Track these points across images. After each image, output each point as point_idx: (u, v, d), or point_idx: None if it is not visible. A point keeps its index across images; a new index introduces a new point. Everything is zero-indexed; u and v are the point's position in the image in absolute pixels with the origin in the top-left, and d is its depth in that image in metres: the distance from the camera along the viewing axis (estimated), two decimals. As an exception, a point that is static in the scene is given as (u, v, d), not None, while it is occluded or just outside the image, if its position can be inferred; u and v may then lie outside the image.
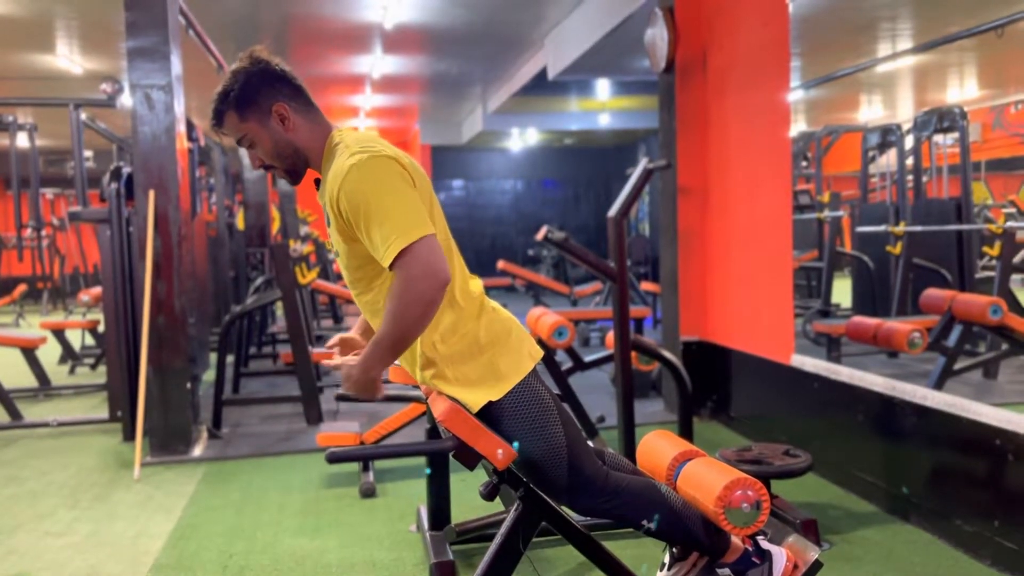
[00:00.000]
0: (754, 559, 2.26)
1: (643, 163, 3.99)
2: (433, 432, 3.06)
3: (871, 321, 4.26)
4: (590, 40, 7.33)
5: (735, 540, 2.27)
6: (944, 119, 4.56)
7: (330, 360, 2.21)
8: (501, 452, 2.04)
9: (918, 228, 4.84)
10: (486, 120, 13.28)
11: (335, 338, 2.31)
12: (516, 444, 2.06)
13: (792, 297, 4.17)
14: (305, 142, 2.06)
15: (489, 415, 2.06)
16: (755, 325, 4.52)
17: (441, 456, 3.03)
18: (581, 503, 2.15)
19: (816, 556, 2.29)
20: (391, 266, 1.87)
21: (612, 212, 3.81)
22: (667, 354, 4.08)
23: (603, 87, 10.89)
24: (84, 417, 5.43)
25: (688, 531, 2.21)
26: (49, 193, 13.61)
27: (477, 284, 2.17)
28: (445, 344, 2.05)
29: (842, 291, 5.46)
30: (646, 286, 9.14)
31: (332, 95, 11.89)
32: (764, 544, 2.30)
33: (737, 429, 4.72)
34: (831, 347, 4.57)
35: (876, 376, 3.49)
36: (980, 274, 4.46)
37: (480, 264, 15.59)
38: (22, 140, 7.79)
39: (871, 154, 5.41)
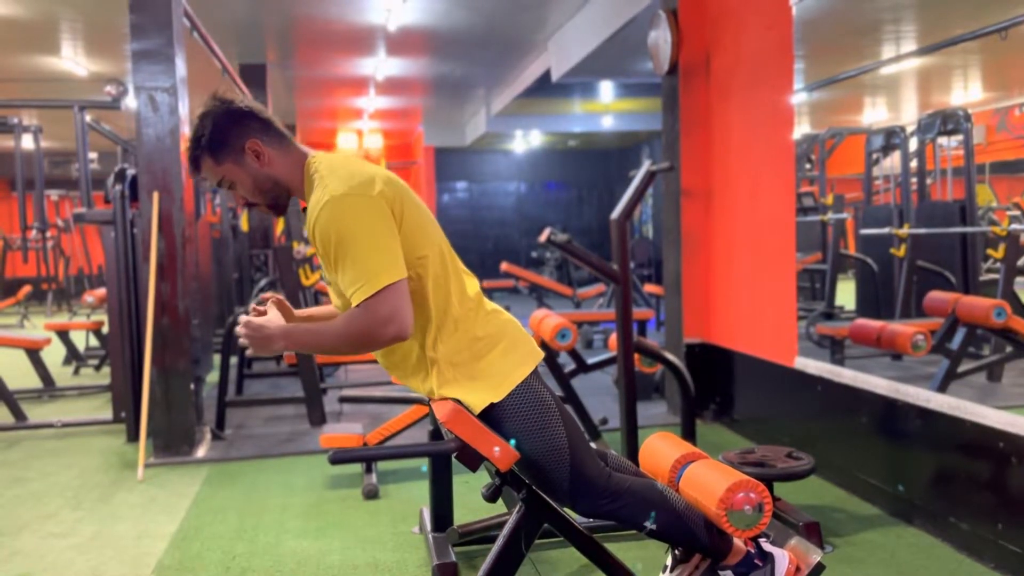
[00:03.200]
0: (756, 561, 2.25)
1: (646, 165, 3.99)
2: (436, 434, 3.06)
3: (875, 323, 4.25)
4: (594, 42, 7.33)
5: (737, 542, 2.27)
6: (948, 121, 4.56)
7: (248, 317, 2.03)
8: (503, 452, 2.04)
9: (922, 230, 4.83)
10: (489, 122, 13.29)
11: (273, 296, 2.18)
12: (514, 443, 2.06)
13: (795, 299, 4.17)
14: (283, 174, 2.06)
15: (491, 416, 2.07)
16: (758, 327, 4.51)
17: (443, 458, 3.03)
18: (583, 504, 2.15)
19: (818, 559, 2.29)
20: (357, 306, 1.90)
21: (615, 214, 3.81)
22: (670, 356, 4.08)
23: (606, 89, 10.90)
24: (88, 418, 5.44)
25: (690, 533, 2.21)
26: (54, 195, 13.67)
27: (474, 285, 2.18)
28: (445, 346, 2.06)
29: (846, 293, 5.45)
30: (649, 288, 9.13)
31: (336, 97, 11.90)
32: (766, 546, 2.29)
33: (740, 431, 4.72)
34: (834, 349, 4.56)
35: (879, 379, 3.48)
36: (984, 277, 4.45)
37: (483, 266, 15.60)
38: (27, 142, 7.82)
39: (875, 156, 5.40)
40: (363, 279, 1.88)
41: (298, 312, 2.26)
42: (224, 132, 2.01)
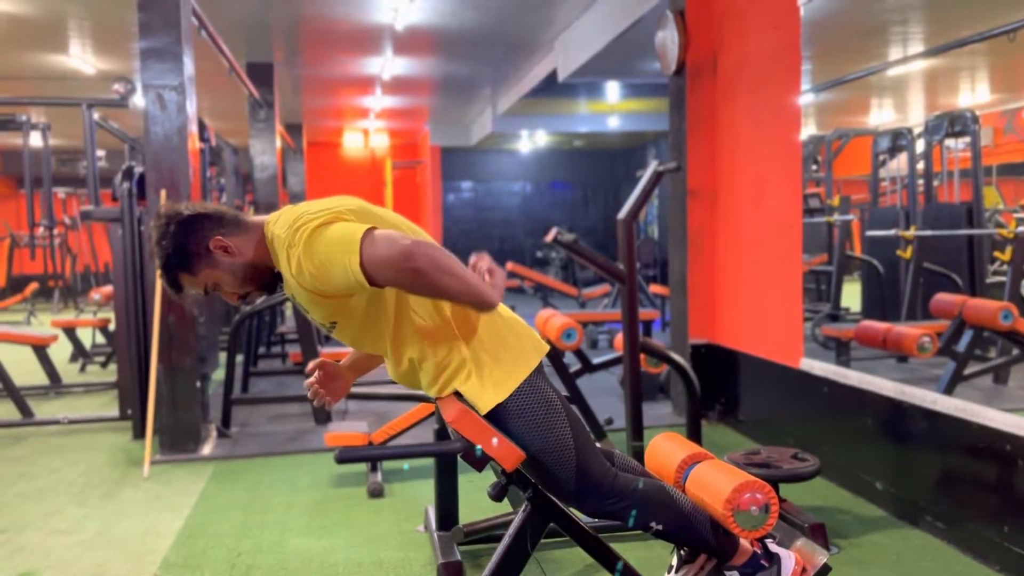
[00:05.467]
0: (762, 562, 2.25)
1: (653, 165, 3.99)
2: (442, 433, 3.07)
3: (881, 325, 4.25)
4: (600, 42, 7.33)
5: (743, 543, 2.27)
6: (955, 123, 4.54)
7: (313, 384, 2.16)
8: (504, 451, 2.04)
9: (928, 232, 4.82)
10: (495, 122, 13.29)
11: (315, 362, 2.25)
12: (519, 443, 2.06)
13: (801, 301, 4.16)
14: (255, 255, 2.04)
15: (497, 416, 2.07)
16: (764, 328, 4.51)
17: (449, 457, 3.04)
18: (588, 504, 2.15)
19: (824, 560, 2.28)
20: (371, 282, 1.84)
21: (621, 214, 3.81)
22: (676, 357, 4.08)
23: (613, 89, 10.88)
24: (94, 415, 5.46)
25: (696, 533, 2.21)
26: (61, 192, 13.69)
27: None
28: (447, 348, 2.06)
29: (852, 295, 5.44)
30: (655, 289, 9.13)
31: (342, 96, 11.91)
32: (772, 547, 2.29)
33: (745, 432, 4.72)
34: (840, 351, 4.56)
35: (885, 380, 3.48)
36: (991, 279, 4.44)
37: (488, 265, 15.55)
38: (35, 139, 7.84)
39: (882, 158, 5.39)
40: (344, 257, 1.82)
41: (342, 363, 2.33)
42: (186, 243, 1.99)
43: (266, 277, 2.08)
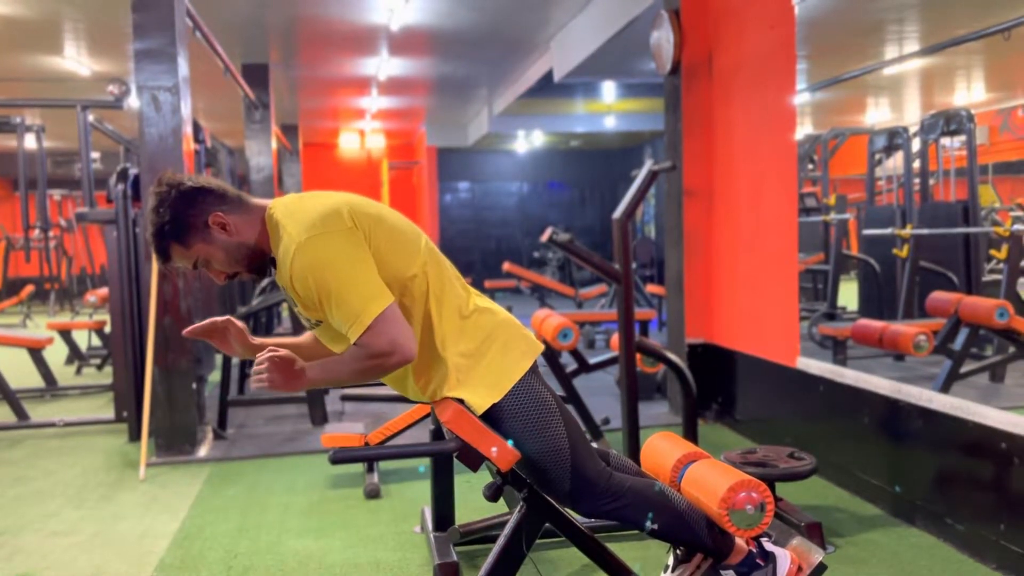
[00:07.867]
0: (758, 561, 2.25)
1: (648, 165, 3.99)
2: (438, 433, 3.06)
3: (877, 324, 4.25)
4: (596, 42, 7.33)
5: (739, 542, 2.27)
6: (951, 122, 4.55)
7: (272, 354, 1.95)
8: (503, 452, 2.04)
9: (925, 231, 4.83)
10: (492, 122, 13.28)
11: (225, 319, 2.14)
12: (514, 443, 2.06)
13: (797, 300, 4.16)
14: (252, 236, 2.02)
15: (492, 416, 2.07)
16: (760, 328, 4.51)
17: (445, 457, 3.03)
18: (584, 504, 2.15)
19: (820, 558, 2.28)
20: (356, 344, 1.91)
21: (617, 214, 3.81)
22: (672, 356, 4.08)
23: (609, 89, 10.89)
24: (90, 417, 5.45)
25: (692, 533, 2.21)
26: (56, 194, 13.66)
27: (466, 287, 2.17)
28: (444, 353, 2.06)
29: (848, 294, 5.45)
30: (651, 288, 9.12)
31: (338, 97, 11.90)
32: (768, 546, 2.29)
33: (742, 431, 4.72)
34: (837, 350, 4.56)
35: (882, 379, 3.48)
36: (987, 277, 4.45)
37: (486, 266, 15.59)
38: (30, 141, 7.82)
39: (878, 157, 5.40)
40: (352, 318, 1.89)
41: (267, 340, 2.16)
42: (184, 215, 1.96)
43: (257, 260, 2.06)
